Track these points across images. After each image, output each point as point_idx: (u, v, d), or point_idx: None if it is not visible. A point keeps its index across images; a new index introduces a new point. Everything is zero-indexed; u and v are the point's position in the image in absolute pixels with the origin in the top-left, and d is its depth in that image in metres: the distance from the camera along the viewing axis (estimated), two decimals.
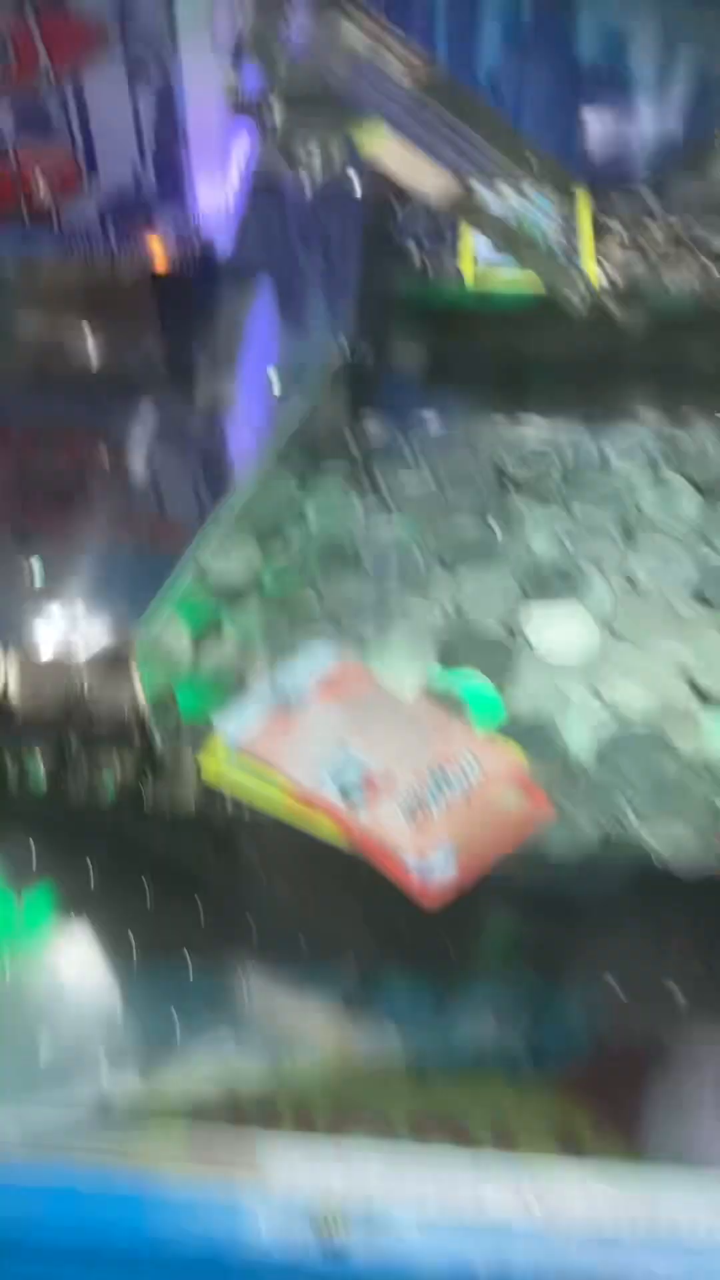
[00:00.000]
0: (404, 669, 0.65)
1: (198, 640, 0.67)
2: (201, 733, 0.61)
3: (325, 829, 0.57)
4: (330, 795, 0.57)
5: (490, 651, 0.66)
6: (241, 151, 0.79)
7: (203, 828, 0.59)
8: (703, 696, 0.63)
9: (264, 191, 0.82)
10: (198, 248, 0.75)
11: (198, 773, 0.59)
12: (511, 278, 0.82)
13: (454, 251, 0.85)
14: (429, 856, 0.55)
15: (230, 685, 0.65)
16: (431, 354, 0.83)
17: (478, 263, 0.83)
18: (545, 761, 0.60)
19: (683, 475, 0.76)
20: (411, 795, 0.57)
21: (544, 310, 0.80)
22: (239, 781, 0.59)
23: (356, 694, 0.63)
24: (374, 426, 0.80)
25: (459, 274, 0.83)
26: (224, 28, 0.68)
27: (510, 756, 0.60)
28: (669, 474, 0.76)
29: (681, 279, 0.82)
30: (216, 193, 0.73)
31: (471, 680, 0.65)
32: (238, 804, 0.59)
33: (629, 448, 0.78)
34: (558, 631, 0.67)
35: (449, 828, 0.56)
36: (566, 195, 0.82)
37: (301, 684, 0.64)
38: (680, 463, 0.77)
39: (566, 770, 0.60)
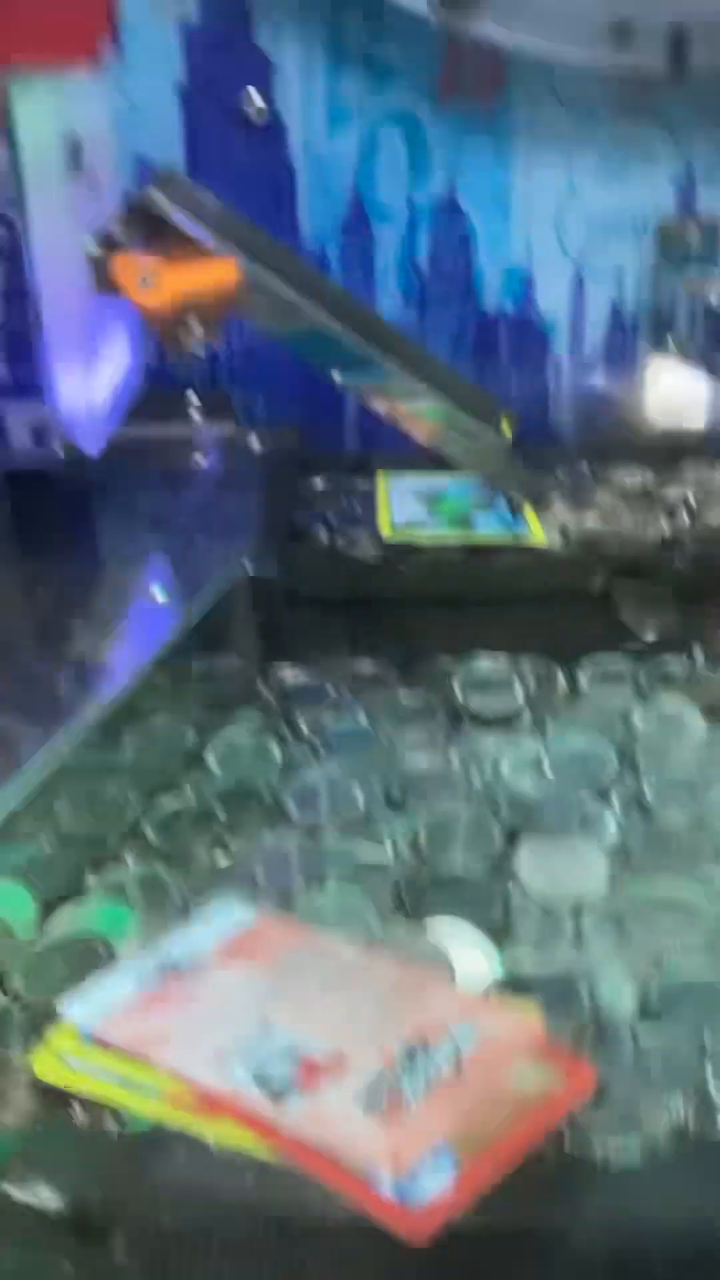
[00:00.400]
0: (353, 924, 0.45)
1: (46, 905, 0.47)
2: (41, 1020, 0.40)
3: (235, 1139, 0.35)
4: (242, 1090, 0.36)
5: (470, 895, 0.47)
6: (120, 347, 0.68)
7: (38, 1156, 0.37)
8: None
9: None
10: (60, 446, 0.62)
11: (30, 1074, 0.38)
12: (433, 534, 0.71)
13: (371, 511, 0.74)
14: (409, 1164, 0.33)
15: (90, 960, 0.44)
16: (352, 594, 0.70)
17: (396, 524, 0.72)
18: (573, 1022, 0.40)
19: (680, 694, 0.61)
20: (375, 1079, 0.36)
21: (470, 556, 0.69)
22: (92, 1085, 0.37)
23: (283, 956, 0.43)
24: (287, 669, 0.64)
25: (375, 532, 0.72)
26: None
27: (519, 1016, 0.39)
28: (663, 696, 0.61)
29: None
30: (82, 387, 0.62)
31: (456, 928, 0.45)
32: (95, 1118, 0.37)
33: (606, 674, 0.63)
34: (559, 869, 0.49)
35: (438, 1119, 0.35)
36: (493, 422, 0.72)
37: (198, 948, 0.44)
38: (670, 684, 0.63)
39: (605, 1033, 0.40)
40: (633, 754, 0.57)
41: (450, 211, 0.77)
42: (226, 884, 0.49)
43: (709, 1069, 0.38)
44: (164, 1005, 0.40)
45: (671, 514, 0.71)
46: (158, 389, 0.80)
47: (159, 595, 0.62)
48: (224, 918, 0.46)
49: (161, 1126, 0.36)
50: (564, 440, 0.80)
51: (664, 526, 0.70)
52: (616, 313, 0.79)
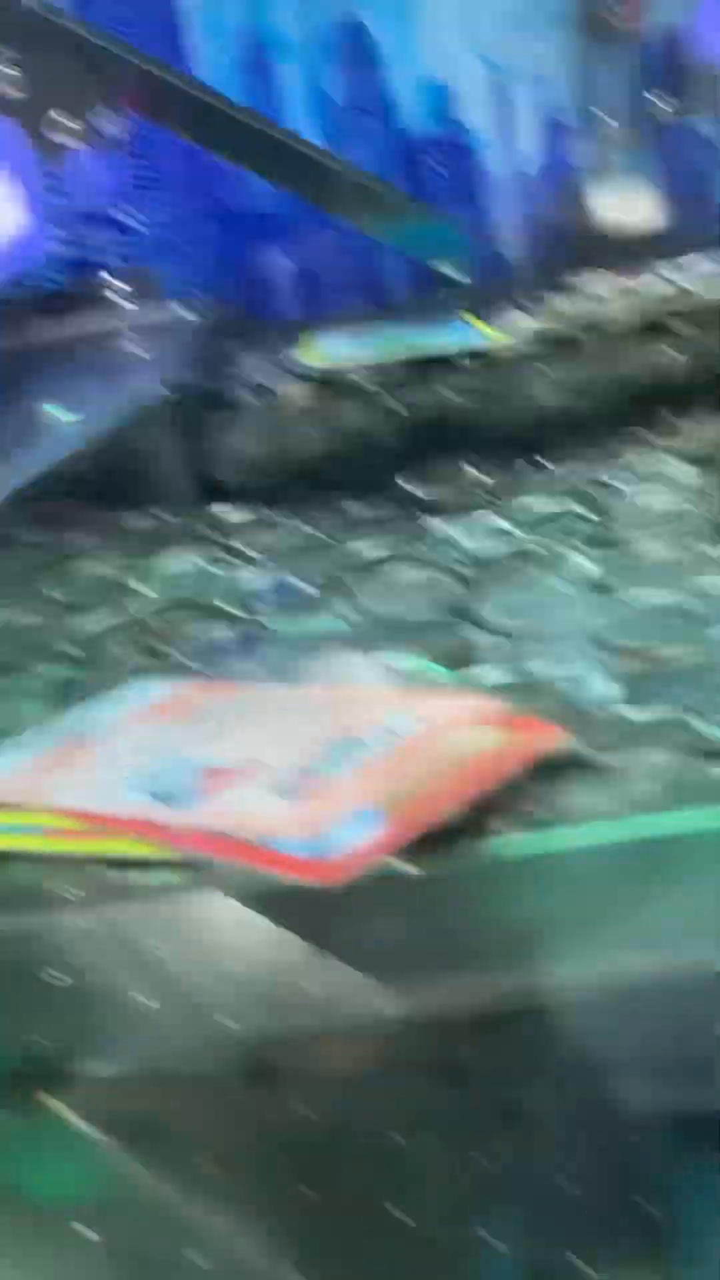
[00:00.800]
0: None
1: None
2: None
3: (126, 849, 0.29)
4: (134, 805, 0.30)
5: (428, 635, 0.41)
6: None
7: None
8: None
9: None
10: None
11: None
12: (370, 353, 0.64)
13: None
14: (325, 826, 0.27)
15: None
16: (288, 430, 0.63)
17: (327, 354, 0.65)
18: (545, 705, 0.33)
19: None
20: (292, 771, 0.30)
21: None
22: None
23: (203, 707, 0.37)
24: (224, 505, 0.58)
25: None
26: None
27: (474, 699, 0.33)
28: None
29: None
30: None
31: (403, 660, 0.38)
32: None
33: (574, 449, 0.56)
34: (530, 606, 0.42)
35: (366, 789, 0.28)
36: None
37: (106, 717, 0.37)
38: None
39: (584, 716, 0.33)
40: (608, 511, 0.50)
41: (352, 32, 0.71)
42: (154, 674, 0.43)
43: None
44: (55, 763, 0.34)
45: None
46: (77, 281, 0.76)
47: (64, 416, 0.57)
48: (140, 692, 0.39)
49: None
50: (512, 261, 0.74)
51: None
52: (547, 115, 0.73)
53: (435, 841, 0.29)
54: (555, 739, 0.30)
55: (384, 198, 0.61)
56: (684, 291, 0.61)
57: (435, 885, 0.42)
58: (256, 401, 0.63)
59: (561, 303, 0.64)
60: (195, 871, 0.30)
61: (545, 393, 0.58)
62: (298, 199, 0.63)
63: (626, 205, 0.70)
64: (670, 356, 0.57)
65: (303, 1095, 0.43)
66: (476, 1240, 0.38)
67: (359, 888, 0.43)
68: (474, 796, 0.28)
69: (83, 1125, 0.40)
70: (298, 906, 0.45)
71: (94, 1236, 0.36)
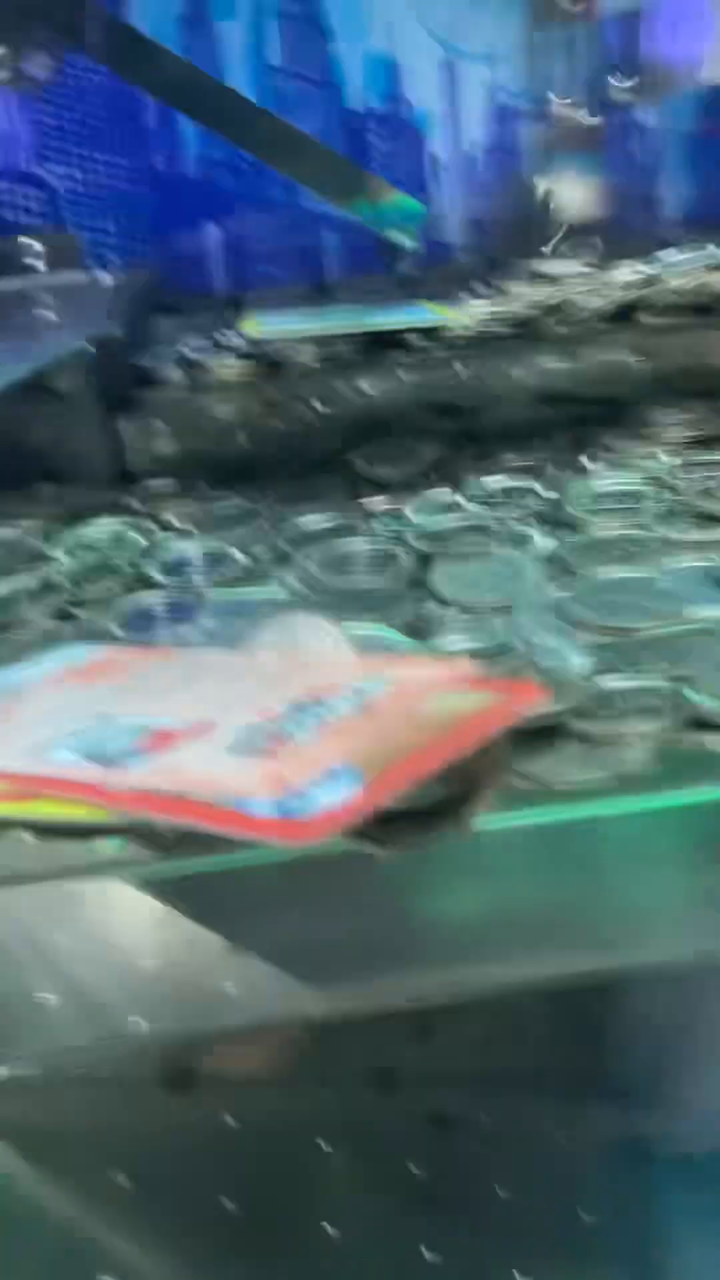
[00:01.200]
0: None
1: None
2: None
3: (58, 812, 0.25)
4: (65, 764, 0.27)
5: (379, 605, 0.38)
6: None
7: None
8: None
9: None
10: None
11: None
12: (315, 327, 0.60)
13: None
14: (296, 785, 0.24)
15: None
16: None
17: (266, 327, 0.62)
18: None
19: None
20: (251, 730, 0.27)
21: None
22: None
23: (140, 670, 0.33)
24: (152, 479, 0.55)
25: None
26: None
27: (446, 664, 0.30)
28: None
29: None
30: None
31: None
32: None
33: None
34: (482, 576, 0.40)
35: (336, 749, 0.25)
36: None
37: (25, 679, 0.34)
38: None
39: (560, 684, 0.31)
40: (565, 490, 0.48)
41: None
42: (75, 639, 0.39)
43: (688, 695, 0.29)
44: None
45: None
46: None
47: None
48: (64, 656, 0.36)
49: None
50: (453, 245, 0.72)
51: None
52: (495, 99, 0.71)
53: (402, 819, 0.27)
54: (537, 700, 0.27)
55: (345, 170, 0.58)
56: (642, 279, 0.59)
57: (370, 872, 0.40)
58: (188, 373, 0.59)
59: (516, 287, 0.62)
60: (137, 838, 0.27)
61: (503, 375, 0.56)
62: (253, 159, 0.60)
63: (574, 193, 0.69)
64: (629, 343, 0.55)
65: (219, 1099, 0.40)
66: (404, 1249, 0.36)
67: (289, 875, 0.40)
68: (453, 758, 0.25)
69: None
70: (214, 897, 0.42)
71: None
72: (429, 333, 0.57)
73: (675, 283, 0.57)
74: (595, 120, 0.68)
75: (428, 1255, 0.35)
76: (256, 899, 0.40)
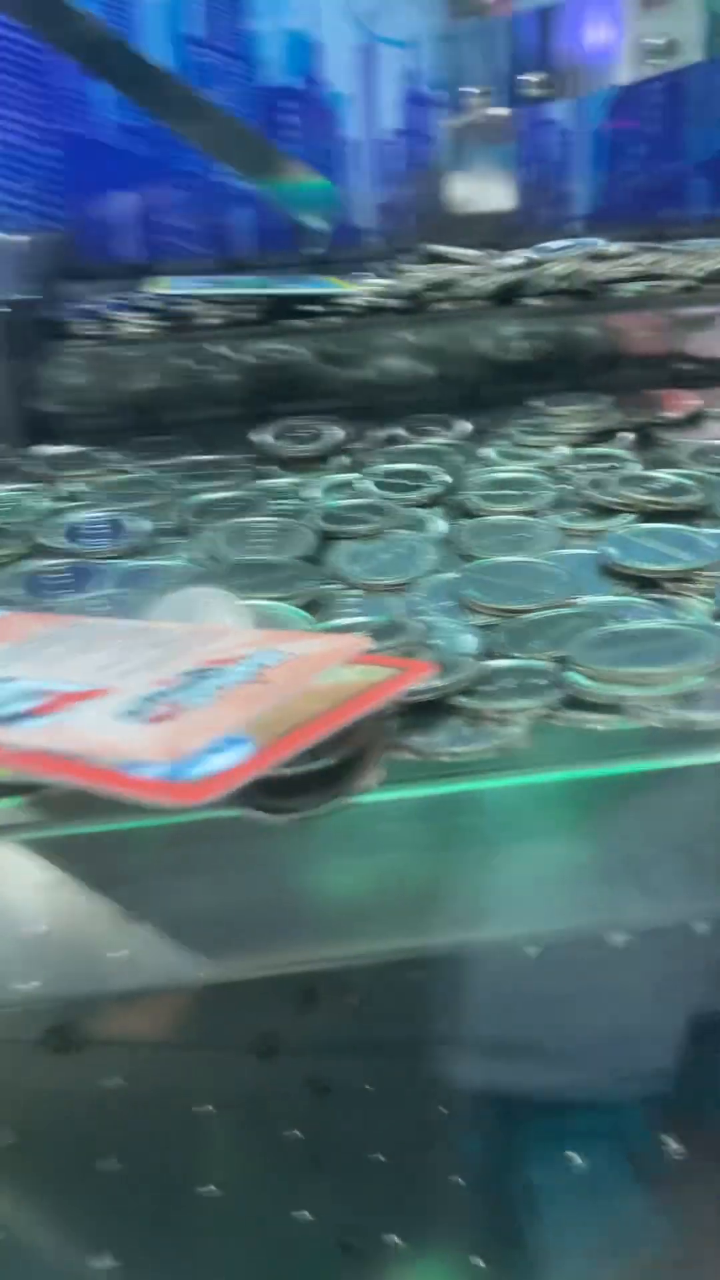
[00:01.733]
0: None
1: None
2: None
3: None
4: None
5: (277, 578, 0.39)
6: None
7: None
8: None
9: None
10: None
11: None
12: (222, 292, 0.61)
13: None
14: (187, 751, 0.24)
15: None
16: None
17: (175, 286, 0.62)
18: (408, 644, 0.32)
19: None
20: (144, 696, 0.27)
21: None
22: None
23: (32, 634, 0.34)
24: (51, 446, 0.55)
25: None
26: None
27: (340, 639, 0.31)
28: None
29: None
30: None
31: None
32: None
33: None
34: (381, 559, 0.41)
35: (228, 716, 0.26)
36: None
37: None
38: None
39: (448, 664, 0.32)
40: (460, 474, 0.49)
41: None
42: None
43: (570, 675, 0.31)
44: None
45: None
46: None
47: None
48: None
49: None
50: (361, 229, 0.73)
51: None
52: (410, 86, 0.72)
53: (287, 785, 0.27)
54: (425, 676, 0.28)
55: (261, 148, 0.59)
56: (524, 262, 0.61)
57: (256, 841, 0.41)
58: (91, 334, 0.59)
59: (416, 269, 0.63)
60: (29, 800, 0.27)
61: (399, 356, 0.57)
62: (170, 133, 0.60)
63: (482, 183, 0.70)
64: (528, 330, 0.56)
65: (104, 1061, 0.40)
66: (284, 1212, 0.37)
67: (176, 842, 0.41)
68: (340, 726, 0.26)
69: None
70: (102, 862, 0.42)
71: None
72: (325, 300, 0.58)
73: (556, 268, 0.59)
74: (505, 112, 0.69)
75: (306, 1216, 0.36)
76: (144, 865, 0.41)
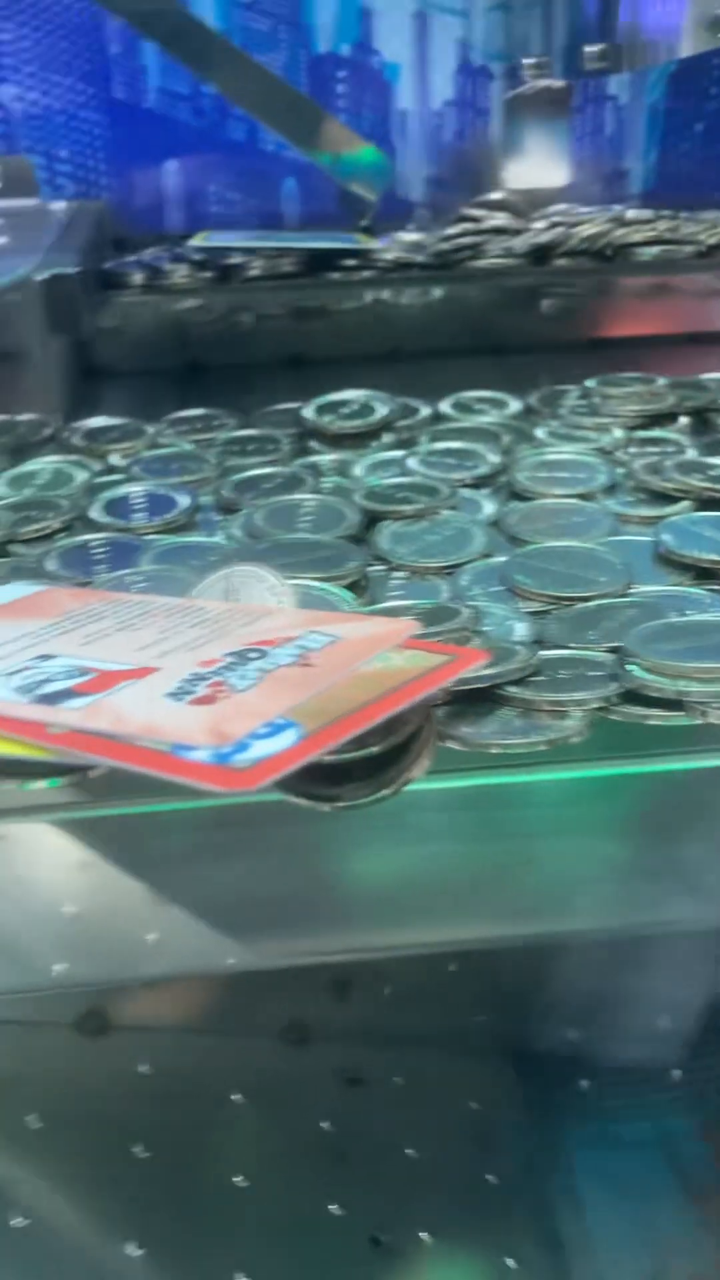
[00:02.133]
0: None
1: None
2: None
3: None
4: (4, 703, 0.26)
5: (321, 557, 0.38)
6: None
7: None
8: None
9: None
10: None
11: None
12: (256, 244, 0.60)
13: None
14: (235, 735, 0.23)
15: None
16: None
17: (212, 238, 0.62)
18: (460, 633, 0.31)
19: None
20: (190, 678, 0.26)
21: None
22: None
23: (76, 610, 0.33)
24: (96, 416, 0.54)
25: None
26: None
27: (388, 622, 0.30)
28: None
29: None
30: None
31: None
32: None
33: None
34: (428, 541, 0.40)
35: (276, 700, 0.25)
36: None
37: None
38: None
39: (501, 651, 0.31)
40: (512, 454, 0.48)
41: None
42: (12, 576, 0.38)
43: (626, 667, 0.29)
44: None
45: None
46: None
47: None
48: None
49: None
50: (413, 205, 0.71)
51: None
52: (465, 56, 0.70)
53: (333, 772, 0.26)
54: (475, 663, 0.27)
55: (313, 114, 0.58)
56: (550, 224, 0.61)
57: (297, 828, 0.40)
58: (147, 277, 0.59)
59: (459, 234, 0.62)
60: (72, 780, 0.26)
61: (442, 326, 0.56)
62: (216, 97, 0.59)
63: (535, 157, 0.69)
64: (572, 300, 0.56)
65: (135, 1047, 0.40)
66: (313, 1204, 0.36)
67: (215, 827, 0.40)
68: (390, 715, 0.25)
69: None
70: (140, 844, 0.41)
71: None
72: (358, 254, 0.57)
73: (586, 231, 0.59)
74: (563, 84, 0.68)
75: (335, 1210, 0.35)
76: (182, 849, 0.40)
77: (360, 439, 0.50)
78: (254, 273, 0.59)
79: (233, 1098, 0.38)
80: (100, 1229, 0.33)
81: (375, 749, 0.26)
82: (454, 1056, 0.43)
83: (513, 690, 0.29)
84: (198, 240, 0.60)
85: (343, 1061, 0.41)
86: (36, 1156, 0.34)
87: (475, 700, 0.29)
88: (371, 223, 0.63)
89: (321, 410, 0.52)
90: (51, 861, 0.41)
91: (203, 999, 0.42)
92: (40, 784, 0.26)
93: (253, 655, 0.27)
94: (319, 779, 0.25)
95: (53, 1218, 0.33)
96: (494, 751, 0.28)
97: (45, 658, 0.29)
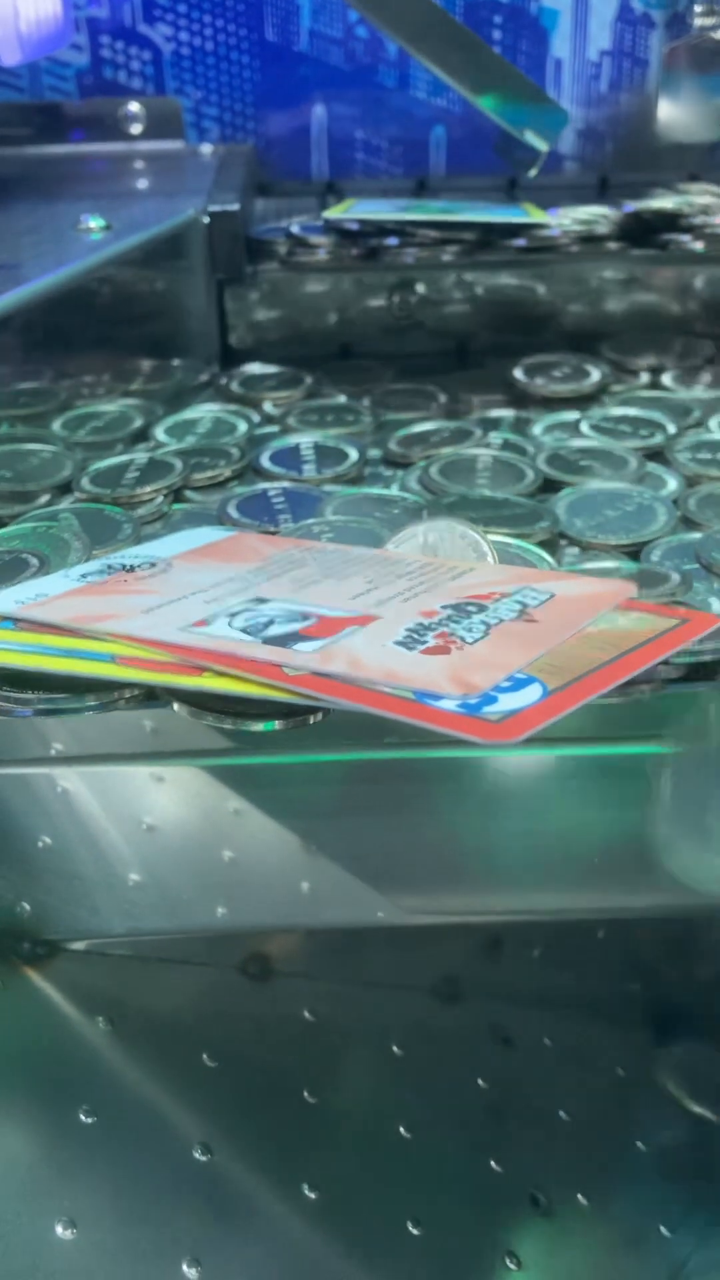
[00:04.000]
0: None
1: None
2: None
3: (221, 685, 0.25)
4: (240, 643, 0.26)
5: (507, 514, 0.37)
6: None
7: None
8: None
9: None
10: None
11: None
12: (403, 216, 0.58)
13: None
14: (480, 687, 0.23)
15: (17, 569, 0.33)
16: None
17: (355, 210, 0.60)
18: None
19: None
20: (415, 626, 0.26)
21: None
22: (20, 659, 0.27)
23: (276, 556, 0.33)
24: (252, 364, 0.53)
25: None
26: None
27: (606, 583, 0.29)
28: None
29: None
30: None
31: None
32: None
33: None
34: (609, 515, 0.39)
35: (510, 654, 0.25)
36: None
37: (157, 554, 0.33)
38: None
39: None
40: (701, 423, 0.47)
41: None
42: (193, 524, 0.38)
43: None
44: (113, 592, 0.30)
45: None
46: (98, 96, 0.69)
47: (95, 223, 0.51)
48: (192, 536, 0.35)
49: None
50: (563, 158, 0.70)
51: None
52: (629, 3, 0.68)
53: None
54: (709, 628, 0.27)
55: (490, 60, 0.56)
56: None
57: (455, 786, 0.39)
58: (293, 248, 0.57)
59: (624, 199, 0.60)
60: (288, 722, 0.26)
61: (612, 291, 0.55)
62: (368, 38, 0.57)
63: (694, 112, 0.67)
64: None
65: (296, 993, 0.40)
66: (473, 1159, 0.36)
67: (372, 781, 0.40)
68: (631, 675, 0.24)
69: (61, 999, 0.37)
70: (301, 795, 0.41)
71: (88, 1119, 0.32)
72: (522, 230, 0.55)
73: None
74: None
75: (495, 1166, 0.35)
76: (346, 802, 0.40)
77: (572, 403, 0.49)
78: (408, 255, 0.56)
79: (394, 1049, 0.38)
80: (276, 1173, 0.34)
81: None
82: (599, 1022, 0.43)
83: None
84: (336, 212, 0.58)
85: (495, 1020, 0.41)
86: (212, 1095, 0.35)
87: (697, 669, 0.28)
88: (535, 175, 0.61)
89: (531, 371, 0.51)
90: (207, 806, 0.42)
91: (357, 950, 0.42)
92: (258, 726, 0.26)
93: (471, 609, 0.27)
94: None
95: (226, 1161, 0.34)
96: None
97: (260, 600, 0.29)
